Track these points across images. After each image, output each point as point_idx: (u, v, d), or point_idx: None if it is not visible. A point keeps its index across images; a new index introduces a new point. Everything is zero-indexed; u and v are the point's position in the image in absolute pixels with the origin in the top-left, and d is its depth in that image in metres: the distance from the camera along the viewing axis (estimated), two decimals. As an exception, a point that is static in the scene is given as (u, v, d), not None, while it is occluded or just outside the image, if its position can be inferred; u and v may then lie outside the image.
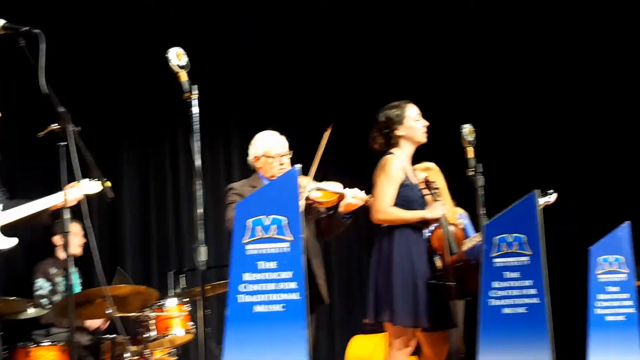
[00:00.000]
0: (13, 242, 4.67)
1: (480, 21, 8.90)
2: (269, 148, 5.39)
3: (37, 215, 4.61)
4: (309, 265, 5.22)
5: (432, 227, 5.18)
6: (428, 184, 5.18)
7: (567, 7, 8.67)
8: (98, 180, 4.40)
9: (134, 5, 7.99)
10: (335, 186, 5.25)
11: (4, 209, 4.67)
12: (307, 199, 5.16)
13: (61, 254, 6.89)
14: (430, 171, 5.89)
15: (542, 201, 5.73)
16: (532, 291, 4.78)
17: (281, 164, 5.30)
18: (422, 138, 5.15)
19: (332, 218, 5.34)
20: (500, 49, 8.94)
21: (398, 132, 5.11)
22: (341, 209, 5.16)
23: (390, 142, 5.15)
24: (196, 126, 4.26)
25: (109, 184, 4.46)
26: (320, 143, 5.24)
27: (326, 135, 5.23)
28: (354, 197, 5.04)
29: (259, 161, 5.42)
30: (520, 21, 8.85)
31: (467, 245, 5.40)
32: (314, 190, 5.19)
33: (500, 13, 8.82)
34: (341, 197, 5.20)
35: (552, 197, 5.92)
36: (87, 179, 5.00)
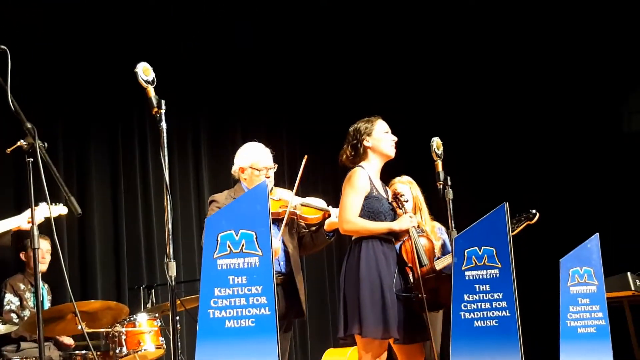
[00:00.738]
0: None
1: (452, 34, 8.95)
2: (256, 160, 5.40)
3: (2, 234, 4.59)
4: (292, 279, 5.23)
5: (403, 239, 5.19)
6: (396, 196, 5.20)
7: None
8: (66, 197, 4.35)
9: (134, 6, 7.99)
10: (320, 203, 5.29)
11: None
12: (292, 213, 5.17)
13: (29, 270, 6.83)
14: (410, 184, 5.92)
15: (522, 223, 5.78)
16: (503, 304, 4.78)
17: (267, 177, 5.29)
18: (391, 151, 5.17)
19: (316, 235, 5.35)
20: (472, 58, 8.99)
21: (365, 143, 5.12)
22: (325, 226, 5.17)
23: (358, 154, 5.16)
24: (165, 141, 4.24)
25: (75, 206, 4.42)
26: (300, 168, 5.27)
27: (304, 162, 5.26)
28: (338, 215, 5.08)
29: (245, 172, 5.43)
30: (495, 36, 8.90)
31: (442, 263, 5.41)
32: (299, 205, 5.20)
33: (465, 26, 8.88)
34: (326, 214, 5.22)
35: (534, 218, 5.93)
36: (45, 203, 4.98)
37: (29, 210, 4.48)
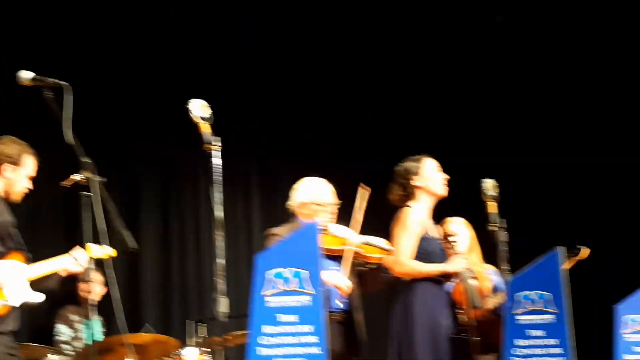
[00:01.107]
0: (40, 297, 4.72)
1: (506, 77, 8.89)
2: (319, 196, 5.31)
3: (44, 278, 4.67)
4: (352, 317, 5.17)
5: (454, 281, 5.14)
6: (447, 237, 5.15)
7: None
8: (122, 232, 4.38)
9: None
10: (381, 242, 5.21)
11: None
12: (354, 251, 5.11)
13: (83, 302, 6.87)
14: (465, 225, 5.84)
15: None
16: (558, 350, 4.71)
17: (331, 214, 5.23)
18: (441, 190, 5.12)
19: (377, 274, 5.26)
20: (522, 105, 8.92)
21: (414, 183, 5.07)
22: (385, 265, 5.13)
23: (408, 194, 5.11)
24: (217, 177, 4.25)
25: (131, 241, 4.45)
26: (358, 203, 5.20)
27: (365, 197, 5.20)
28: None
29: (305, 207, 5.33)
30: (544, 80, 8.83)
31: (493, 302, 5.34)
32: (362, 243, 5.14)
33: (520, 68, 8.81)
34: (389, 253, 5.15)
35: (583, 253, 5.84)
36: (97, 245, 5.02)
37: (76, 250, 4.56)
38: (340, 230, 5.27)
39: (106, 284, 6.93)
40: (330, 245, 5.08)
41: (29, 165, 4.82)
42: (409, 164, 5.15)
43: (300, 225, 5.29)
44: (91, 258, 4.49)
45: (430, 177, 5.11)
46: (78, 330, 6.83)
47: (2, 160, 4.75)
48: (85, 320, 6.84)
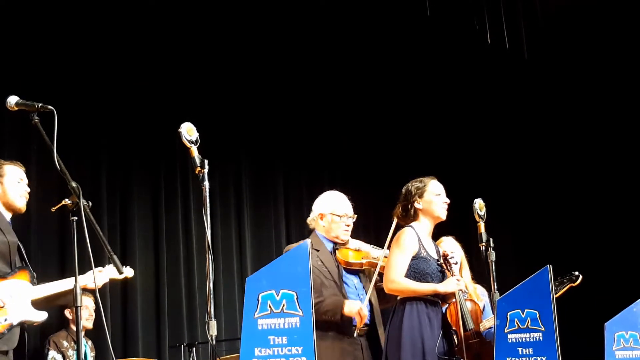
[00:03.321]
0: (43, 315, 4.72)
1: (492, 98, 8.95)
2: (337, 207, 5.35)
3: (64, 293, 4.68)
4: (375, 331, 5.18)
5: (451, 302, 5.14)
6: (446, 258, 5.16)
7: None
8: (109, 256, 4.39)
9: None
10: None
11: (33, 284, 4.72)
12: (374, 265, 5.13)
13: (73, 327, 6.87)
14: (453, 244, 5.86)
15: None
16: (547, 367, 4.72)
17: (347, 226, 5.27)
18: (441, 214, 5.15)
19: None
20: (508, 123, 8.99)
21: (417, 205, 5.11)
22: None
23: (409, 214, 5.15)
24: (207, 200, 4.26)
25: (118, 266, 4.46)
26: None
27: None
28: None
29: (324, 219, 5.36)
30: (537, 96, 8.89)
31: (488, 324, 5.34)
32: (383, 257, 5.17)
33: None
34: None
35: (577, 280, 5.85)
36: (111, 265, 5.07)
37: (94, 270, 4.55)
38: (356, 243, 5.32)
39: (96, 310, 6.95)
40: (351, 259, 5.18)
41: (10, 171, 4.84)
42: (413, 185, 5.18)
43: (316, 238, 5.34)
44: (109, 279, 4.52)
45: (431, 200, 5.14)
46: (69, 357, 6.81)
47: None
48: (74, 345, 6.83)
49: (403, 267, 4.99)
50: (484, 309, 5.78)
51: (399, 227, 5.21)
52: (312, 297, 4.20)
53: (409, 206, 5.16)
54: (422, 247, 5.05)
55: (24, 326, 4.68)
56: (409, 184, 5.22)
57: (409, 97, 9.19)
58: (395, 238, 5.08)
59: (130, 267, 5.06)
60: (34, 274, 4.74)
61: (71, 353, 6.83)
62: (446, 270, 5.14)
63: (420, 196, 5.14)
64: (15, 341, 4.61)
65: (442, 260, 5.15)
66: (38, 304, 4.70)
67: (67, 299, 4.70)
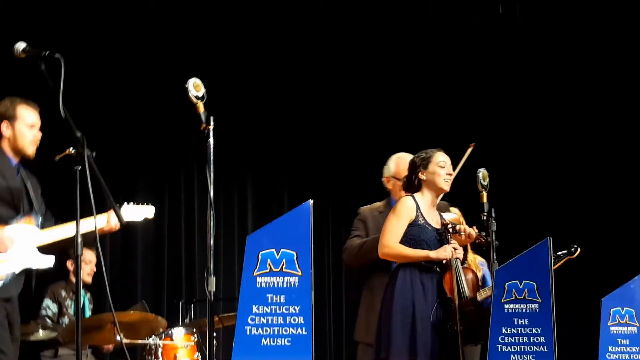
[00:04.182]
0: (50, 261, 4.65)
1: (505, 71, 8.91)
2: (400, 170, 5.37)
3: (73, 238, 4.55)
4: None
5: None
6: (446, 227, 5.14)
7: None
8: (112, 207, 4.40)
9: (154, 34, 8.07)
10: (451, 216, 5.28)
11: (42, 228, 4.67)
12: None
13: (73, 278, 6.90)
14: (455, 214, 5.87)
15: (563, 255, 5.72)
16: (541, 339, 4.75)
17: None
18: (443, 185, 5.13)
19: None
20: (517, 88, 8.95)
21: (420, 176, 5.11)
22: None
23: (413, 185, 5.16)
24: (211, 157, 4.27)
25: (120, 217, 4.45)
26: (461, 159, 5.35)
27: (468, 152, 5.32)
28: (465, 231, 5.11)
29: (389, 183, 5.44)
30: (546, 64, 8.85)
31: (485, 294, 5.36)
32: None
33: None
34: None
35: (575, 253, 5.87)
36: (132, 204, 5.05)
37: (110, 212, 4.54)
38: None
39: (97, 264, 6.99)
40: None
41: (25, 114, 4.70)
42: (419, 157, 5.18)
43: (387, 202, 5.35)
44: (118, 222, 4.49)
45: (434, 171, 5.13)
46: (66, 307, 6.85)
47: None
48: (74, 295, 6.87)
49: (398, 234, 5.00)
50: (484, 279, 5.79)
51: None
52: (312, 258, 4.22)
53: (413, 177, 5.15)
54: (420, 215, 5.05)
55: (31, 272, 4.65)
56: (415, 156, 5.22)
57: (408, 83, 9.14)
58: (394, 207, 5.09)
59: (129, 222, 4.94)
60: (41, 219, 4.71)
61: (69, 303, 6.87)
62: (445, 239, 5.13)
63: (425, 167, 5.13)
64: (18, 288, 4.59)
65: (442, 229, 5.15)
66: (46, 249, 4.68)
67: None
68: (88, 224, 4.41)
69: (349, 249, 5.49)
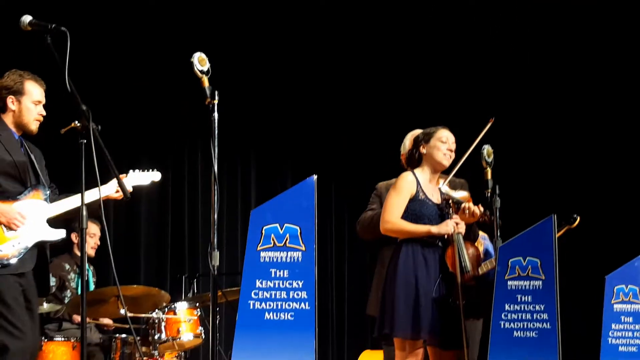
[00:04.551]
0: (61, 234, 4.67)
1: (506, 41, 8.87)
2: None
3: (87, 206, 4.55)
4: None
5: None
6: (447, 201, 5.15)
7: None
8: (116, 180, 4.40)
9: (158, 9, 8.05)
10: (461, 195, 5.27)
11: (50, 202, 4.68)
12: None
13: (77, 251, 6.91)
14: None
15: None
16: (544, 316, 4.75)
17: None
18: (443, 160, 5.12)
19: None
20: (520, 63, 8.92)
21: (421, 150, 5.12)
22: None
23: (414, 159, 5.16)
24: (216, 132, 4.27)
25: (125, 190, 4.44)
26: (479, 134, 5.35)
27: (487, 126, 5.36)
28: (469, 209, 5.07)
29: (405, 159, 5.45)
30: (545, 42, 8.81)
31: (485, 267, 5.36)
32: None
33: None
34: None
35: (574, 222, 5.86)
36: (137, 170, 5.07)
37: (114, 180, 4.53)
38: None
39: (101, 238, 7.00)
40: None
41: (32, 91, 4.66)
42: (423, 132, 5.19)
43: None
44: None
45: (435, 145, 5.13)
46: (68, 280, 6.86)
47: (3, 94, 4.64)
48: (77, 269, 6.88)
49: (399, 209, 5.00)
50: (486, 252, 5.79)
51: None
52: (316, 233, 4.23)
53: (414, 151, 5.16)
54: (421, 191, 5.05)
55: (44, 246, 4.65)
56: (422, 131, 5.23)
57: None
58: (394, 182, 5.09)
59: (133, 194, 4.92)
60: (48, 192, 4.72)
61: (72, 276, 6.88)
62: (446, 214, 5.13)
63: (427, 142, 5.14)
64: (32, 263, 4.58)
65: (443, 203, 5.15)
66: (52, 222, 4.69)
67: (90, 211, 4.61)
68: (93, 194, 4.43)
69: (362, 221, 5.51)
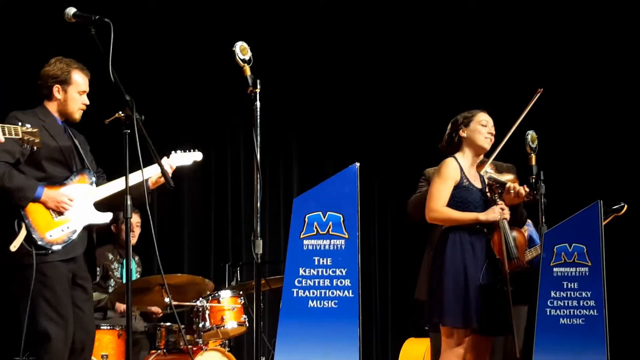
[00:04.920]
0: (108, 217, 4.74)
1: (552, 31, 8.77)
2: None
3: (134, 188, 4.50)
4: None
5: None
6: (492, 187, 5.10)
7: None
8: (160, 169, 4.42)
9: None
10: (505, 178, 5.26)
11: (97, 185, 4.74)
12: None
13: (120, 242, 6.95)
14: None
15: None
16: (591, 303, 4.72)
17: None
18: (484, 143, 5.08)
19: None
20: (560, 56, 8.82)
21: (461, 134, 5.07)
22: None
23: (453, 144, 5.11)
24: (258, 120, 4.27)
25: (168, 179, 4.46)
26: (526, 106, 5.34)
27: (535, 97, 5.35)
28: (514, 189, 5.04)
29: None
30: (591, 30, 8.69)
31: (530, 255, 5.32)
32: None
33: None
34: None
35: (621, 210, 5.80)
36: (180, 151, 5.11)
37: (155, 165, 4.57)
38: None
39: (145, 223, 7.04)
40: None
41: (78, 80, 4.75)
42: (462, 115, 5.15)
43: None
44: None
45: (476, 129, 5.09)
46: (112, 270, 6.91)
47: (49, 83, 4.72)
48: (121, 259, 6.93)
49: (445, 197, 4.95)
50: (530, 239, 5.74)
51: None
52: (359, 220, 4.22)
53: (454, 135, 5.11)
54: (464, 177, 5.01)
55: (91, 229, 4.72)
56: (459, 114, 5.18)
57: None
58: (438, 169, 5.04)
59: (176, 183, 4.94)
60: (94, 176, 4.76)
61: (116, 266, 6.93)
62: (491, 200, 5.09)
63: (466, 125, 5.09)
64: (83, 247, 4.65)
65: (487, 189, 5.10)
66: (102, 206, 4.72)
67: (138, 194, 4.64)
68: (137, 176, 4.47)
69: (410, 202, 5.49)
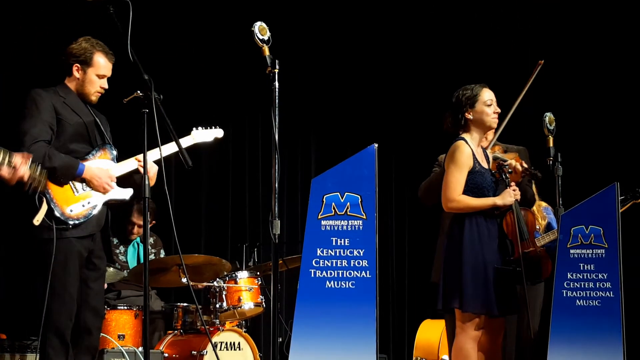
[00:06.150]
0: (128, 192, 4.75)
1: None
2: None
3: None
4: None
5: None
6: (501, 167, 5.07)
7: None
8: (178, 149, 4.43)
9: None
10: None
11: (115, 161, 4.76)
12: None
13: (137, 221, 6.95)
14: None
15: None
16: (607, 285, 4.72)
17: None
18: (492, 123, 5.04)
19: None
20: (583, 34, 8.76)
21: (468, 116, 5.02)
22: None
23: (459, 124, 5.06)
24: (276, 101, 4.28)
25: (186, 159, 4.47)
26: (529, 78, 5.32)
27: (536, 70, 5.33)
28: (510, 166, 5.03)
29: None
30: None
31: (542, 241, 5.31)
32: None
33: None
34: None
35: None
36: (201, 128, 5.13)
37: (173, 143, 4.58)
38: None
39: (164, 204, 7.05)
40: None
41: (99, 63, 4.71)
42: (464, 95, 5.06)
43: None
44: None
45: (482, 110, 5.04)
46: (116, 254, 6.88)
47: (71, 60, 4.71)
48: (127, 244, 6.96)
49: (461, 185, 4.90)
50: (549, 226, 5.71)
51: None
52: (377, 201, 4.23)
53: (460, 116, 5.05)
54: (477, 161, 4.97)
55: (108, 208, 4.72)
56: (459, 93, 5.10)
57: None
58: (450, 154, 4.97)
59: (194, 163, 4.95)
60: (115, 151, 4.77)
61: (122, 250, 6.92)
62: (500, 181, 5.06)
63: (472, 106, 5.03)
64: (101, 223, 4.66)
65: (496, 170, 5.07)
66: (123, 181, 4.73)
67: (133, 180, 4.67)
68: (154, 154, 4.49)
69: (421, 188, 5.50)
